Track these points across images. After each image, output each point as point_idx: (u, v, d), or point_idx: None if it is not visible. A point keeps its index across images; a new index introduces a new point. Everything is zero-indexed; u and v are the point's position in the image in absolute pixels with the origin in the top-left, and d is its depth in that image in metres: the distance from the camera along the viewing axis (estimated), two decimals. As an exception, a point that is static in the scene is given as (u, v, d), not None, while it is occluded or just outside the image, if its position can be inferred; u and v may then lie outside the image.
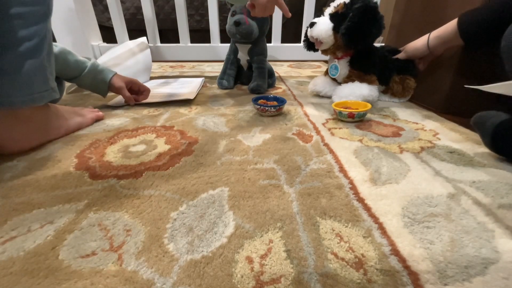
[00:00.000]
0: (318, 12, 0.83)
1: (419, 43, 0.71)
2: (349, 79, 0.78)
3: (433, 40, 0.67)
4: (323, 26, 0.74)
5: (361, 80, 0.76)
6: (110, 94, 0.84)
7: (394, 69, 0.78)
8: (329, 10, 0.76)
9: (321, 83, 0.86)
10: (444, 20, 0.64)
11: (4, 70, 0.43)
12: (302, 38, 0.97)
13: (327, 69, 0.86)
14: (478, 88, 0.41)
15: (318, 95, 0.88)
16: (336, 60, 0.80)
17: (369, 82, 0.75)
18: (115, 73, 0.71)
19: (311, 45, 0.83)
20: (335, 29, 0.73)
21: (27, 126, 0.49)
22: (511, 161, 0.46)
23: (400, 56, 0.77)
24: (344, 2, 0.72)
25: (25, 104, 0.46)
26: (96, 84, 0.69)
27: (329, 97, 0.84)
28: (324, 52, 0.81)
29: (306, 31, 0.80)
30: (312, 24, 0.76)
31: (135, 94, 0.76)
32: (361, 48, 0.75)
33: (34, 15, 0.45)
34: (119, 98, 0.80)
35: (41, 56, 0.47)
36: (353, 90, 0.73)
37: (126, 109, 0.73)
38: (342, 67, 0.79)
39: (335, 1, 0.76)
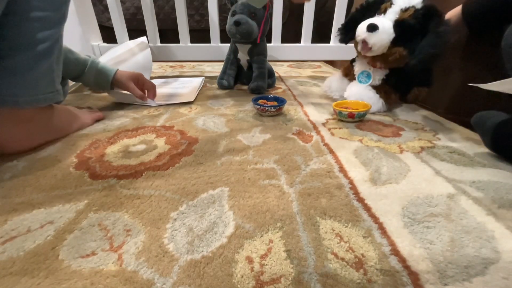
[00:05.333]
0: (370, 8, 0.69)
1: None
2: (374, 88, 0.71)
3: None
4: (384, 37, 0.62)
5: (386, 95, 0.70)
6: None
7: (415, 83, 0.72)
8: (393, 11, 0.63)
9: (337, 87, 0.81)
10: (444, 6, 0.63)
11: (14, 70, 0.44)
12: (338, 27, 0.79)
13: (345, 69, 0.81)
14: (481, 87, 0.41)
15: (328, 96, 0.84)
16: (371, 68, 0.72)
17: (390, 101, 0.71)
18: (117, 71, 0.70)
19: (347, 39, 0.74)
20: (395, 42, 0.62)
21: (30, 126, 0.49)
22: (511, 161, 0.46)
23: None
24: (415, 8, 0.61)
25: (29, 105, 0.47)
26: (99, 83, 0.69)
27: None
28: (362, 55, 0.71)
29: (347, 22, 0.71)
30: (373, 28, 0.62)
31: (141, 90, 0.75)
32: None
33: (50, 20, 0.46)
34: (123, 94, 0.79)
35: (51, 58, 0.48)
36: (370, 100, 0.68)
37: (126, 109, 0.73)
38: (376, 78, 0.71)
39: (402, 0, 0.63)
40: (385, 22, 0.63)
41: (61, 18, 0.49)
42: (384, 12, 0.65)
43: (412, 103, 0.79)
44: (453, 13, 0.62)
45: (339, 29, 0.77)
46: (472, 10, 0.58)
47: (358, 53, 0.72)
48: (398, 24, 0.62)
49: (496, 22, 0.45)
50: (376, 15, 0.67)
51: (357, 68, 0.76)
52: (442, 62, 0.64)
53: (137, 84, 0.73)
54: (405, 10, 0.62)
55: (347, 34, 0.75)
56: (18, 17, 0.43)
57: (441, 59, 0.60)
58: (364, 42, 0.65)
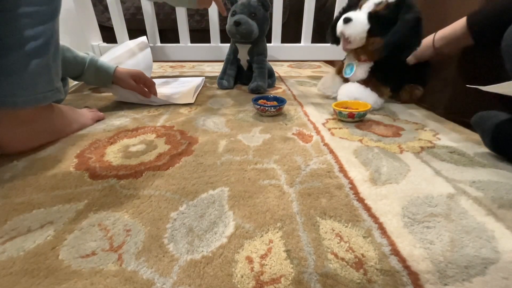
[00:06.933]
0: (351, 8, 0.73)
1: (424, 45, 0.68)
2: (363, 83, 0.73)
3: (439, 41, 0.65)
4: (359, 27, 0.67)
5: (376, 89, 0.71)
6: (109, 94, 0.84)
7: (408, 79, 0.75)
8: (368, 5, 0.68)
9: (330, 84, 0.82)
10: (445, 17, 0.63)
11: (9, 70, 0.43)
12: (328, 30, 0.83)
13: (338, 68, 0.82)
14: (480, 88, 0.41)
15: (323, 95, 0.85)
16: (356, 61, 0.75)
17: (381, 94, 0.72)
18: (115, 69, 0.69)
19: (336, 39, 0.77)
20: (371, 32, 0.67)
21: (30, 126, 0.49)
22: (511, 161, 0.46)
23: (409, 60, 0.73)
24: (387, 2, 0.66)
25: (28, 104, 0.46)
26: (99, 81, 0.69)
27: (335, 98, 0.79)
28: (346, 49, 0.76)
29: (334, 23, 0.73)
30: (347, 20, 0.67)
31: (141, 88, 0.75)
32: (390, 58, 0.70)
33: (41, 15, 0.44)
34: (124, 92, 0.79)
35: (47, 56, 0.47)
36: (360, 94, 0.70)
37: (127, 109, 0.73)
38: (362, 71, 0.74)
39: None
40: (360, 14, 0.68)
41: (54, 12, 0.46)
42: (361, 8, 0.70)
43: (410, 103, 0.79)
44: (458, 24, 0.61)
45: (328, 31, 0.81)
46: (477, 21, 0.58)
47: (344, 50, 0.77)
48: (372, 16, 0.67)
49: (502, 32, 0.45)
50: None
51: (344, 63, 0.80)
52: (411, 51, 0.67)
53: (137, 82, 0.73)
54: (378, 4, 0.67)
55: (335, 35, 0.77)
56: (6, 14, 0.41)
57: (412, 45, 0.65)
58: (343, 35, 0.70)
